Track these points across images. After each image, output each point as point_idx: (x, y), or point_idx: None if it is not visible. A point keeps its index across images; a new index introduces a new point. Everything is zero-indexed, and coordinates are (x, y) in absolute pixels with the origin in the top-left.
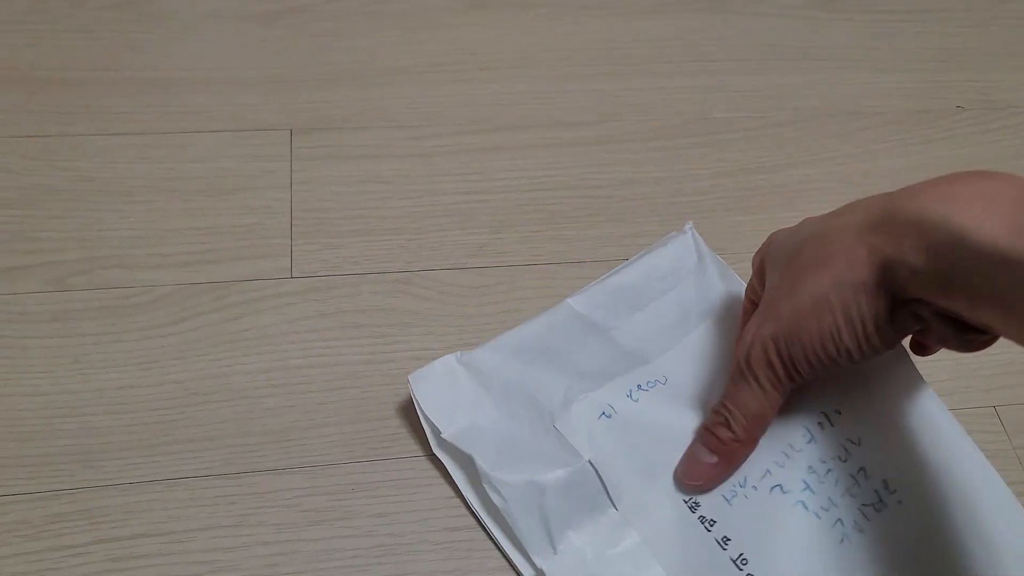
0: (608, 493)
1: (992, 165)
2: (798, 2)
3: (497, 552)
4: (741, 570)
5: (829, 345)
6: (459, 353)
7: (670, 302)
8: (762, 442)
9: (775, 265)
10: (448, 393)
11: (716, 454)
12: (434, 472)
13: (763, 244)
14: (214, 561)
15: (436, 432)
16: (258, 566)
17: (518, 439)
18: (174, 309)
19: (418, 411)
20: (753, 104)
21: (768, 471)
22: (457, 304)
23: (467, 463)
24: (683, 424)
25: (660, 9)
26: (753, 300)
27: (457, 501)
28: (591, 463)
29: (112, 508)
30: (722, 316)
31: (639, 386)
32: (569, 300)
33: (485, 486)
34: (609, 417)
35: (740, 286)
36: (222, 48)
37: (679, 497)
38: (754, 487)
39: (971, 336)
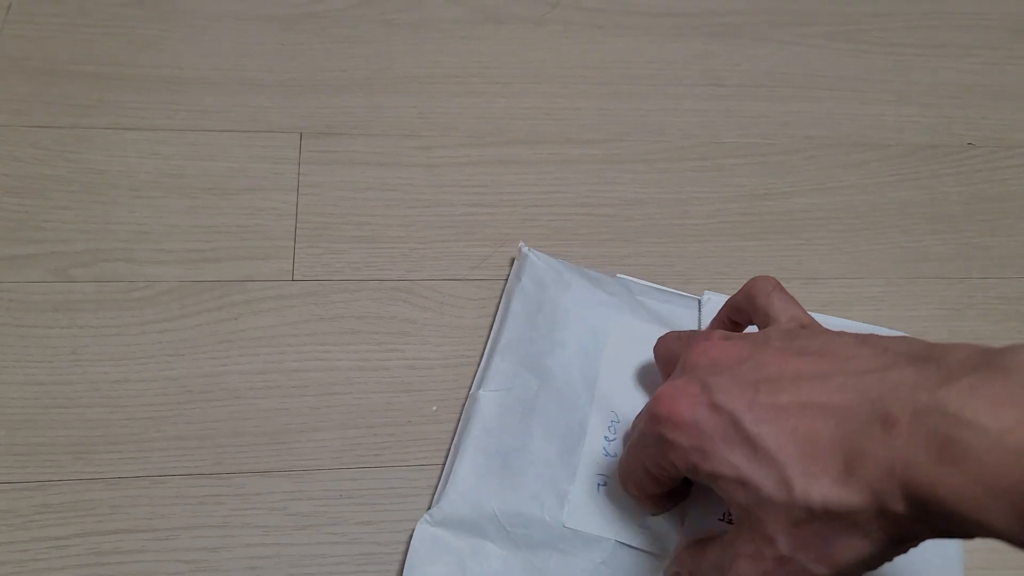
0: (651, 553)
1: (1001, 204)
2: (814, 31)
3: None
4: None
5: None
6: (426, 515)
7: (562, 330)
8: None
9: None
10: (445, 565)
11: None
12: (421, 483)
13: (691, 364)
14: (197, 560)
15: None
16: (241, 568)
17: (538, 562)
18: (174, 306)
19: None
20: (762, 130)
21: None
22: (455, 315)
23: None
24: None
25: (677, 32)
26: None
27: None
28: (617, 541)
29: (99, 502)
30: (615, 321)
31: (606, 437)
32: (480, 392)
33: None
34: (606, 484)
35: (606, 281)
36: (238, 49)
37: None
38: None
39: None
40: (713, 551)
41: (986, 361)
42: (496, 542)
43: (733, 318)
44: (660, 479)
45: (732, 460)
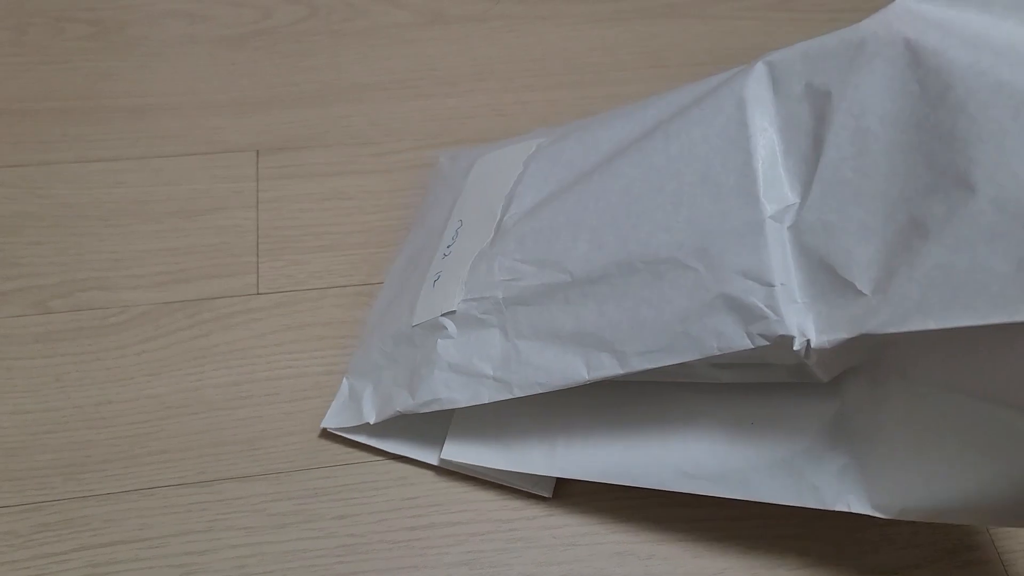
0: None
1: None
2: (753, 3)
3: (455, 547)
4: None
5: None
6: (348, 375)
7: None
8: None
9: None
10: (353, 408)
11: None
12: (393, 475)
13: None
14: (187, 564)
15: (367, 429)
16: (228, 567)
17: (407, 363)
18: (149, 328)
19: (351, 437)
20: None
21: None
22: None
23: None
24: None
25: (617, 17)
26: None
27: (416, 502)
28: (442, 315)
29: (92, 517)
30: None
31: (448, 245)
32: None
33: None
34: (439, 278)
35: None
36: (192, 73)
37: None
38: None
39: None
40: None
41: None
42: (385, 371)
43: None
44: None
45: None
